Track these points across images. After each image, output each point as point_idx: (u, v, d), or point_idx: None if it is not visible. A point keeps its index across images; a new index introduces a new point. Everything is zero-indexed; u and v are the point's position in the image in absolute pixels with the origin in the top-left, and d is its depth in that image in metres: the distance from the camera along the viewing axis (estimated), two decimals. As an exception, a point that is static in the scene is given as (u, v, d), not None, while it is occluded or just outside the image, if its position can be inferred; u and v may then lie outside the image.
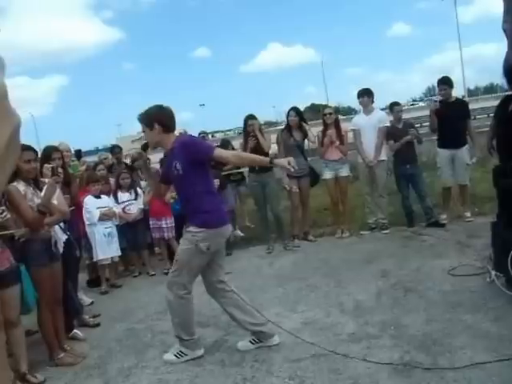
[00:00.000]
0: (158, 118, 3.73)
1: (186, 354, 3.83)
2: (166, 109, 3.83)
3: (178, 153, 3.63)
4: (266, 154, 6.56)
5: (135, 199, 6.64)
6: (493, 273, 4.31)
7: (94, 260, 6.11)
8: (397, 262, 5.53)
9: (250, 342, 3.91)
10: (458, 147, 6.62)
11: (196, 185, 3.65)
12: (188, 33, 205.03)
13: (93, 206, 6.00)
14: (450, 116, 6.49)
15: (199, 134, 8.66)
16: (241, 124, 7.48)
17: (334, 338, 3.84)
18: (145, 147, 4.09)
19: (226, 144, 8.18)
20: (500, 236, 4.26)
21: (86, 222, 5.98)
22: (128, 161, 7.58)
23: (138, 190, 6.71)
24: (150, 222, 6.61)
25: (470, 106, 7.49)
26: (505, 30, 7.75)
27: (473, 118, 7.51)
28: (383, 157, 6.95)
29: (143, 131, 3.88)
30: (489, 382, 2.89)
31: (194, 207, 3.70)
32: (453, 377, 3.00)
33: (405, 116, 7.67)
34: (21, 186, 3.85)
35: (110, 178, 6.77)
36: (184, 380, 3.53)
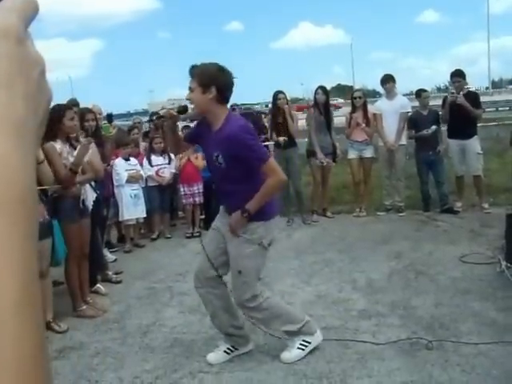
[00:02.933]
0: (218, 82, 2.99)
1: (309, 342, 3.37)
2: (229, 73, 3.08)
3: (224, 143, 2.97)
4: (290, 134, 6.78)
5: (168, 163, 6.82)
6: (503, 263, 4.42)
7: (120, 220, 6.33)
8: (410, 244, 5.66)
9: (225, 351, 3.45)
10: (468, 138, 6.64)
11: (242, 180, 3.05)
12: (222, 6, 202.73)
13: (122, 168, 6.17)
14: (460, 108, 6.51)
15: (231, 106, 8.74)
16: (269, 98, 7.56)
17: (344, 313, 4.00)
18: (183, 110, 3.29)
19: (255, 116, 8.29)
20: (514, 228, 4.36)
21: (115, 184, 6.18)
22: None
23: (171, 154, 6.88)
24: (182, 189, 6.82)
25: (493, 98, 7.48)
26: None
27: (495, 109, 7.48)
28: (403, 141, 7.03)
29: (191, 89, 3.04)
30: (492, 370, 3.02)
31: (245, 200, 3.04)
32: (457, 361, 3.15)
33: (430, 103, 7.68)
34: (57, 145, 4.02)
35: (142, 143, 6.96)
36: (199, 341, 3.71)
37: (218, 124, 3.05)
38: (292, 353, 3.33)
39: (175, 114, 3.25)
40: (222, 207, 3.40)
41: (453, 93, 6.68)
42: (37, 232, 0.36)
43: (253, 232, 3.13)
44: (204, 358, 3.43)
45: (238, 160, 2.97)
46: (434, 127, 6.82)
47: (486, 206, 6.78)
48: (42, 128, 0.41)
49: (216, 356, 3.41)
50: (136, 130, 7.07)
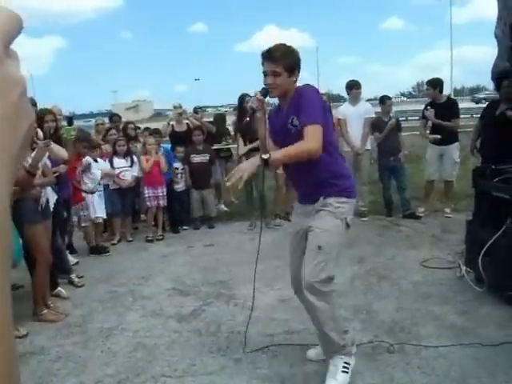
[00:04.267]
0: (299, 65, 2.96)
1: (349, 364, 3.03)
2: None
3: (297, 102, 2.84)
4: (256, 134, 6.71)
5: (130, 166, 6.74)
6: (463, 268, 4.51)
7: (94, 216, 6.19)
8: (373, 249, 5.72)
9: (344, 371, 2.99)
10: (448, 144, 6.78)
11: (323, 144, 2.76)
12: (187, 7, 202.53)
13: (95, 167, 6.09)
14: (440, 116, 6.64)
15: (194, 109, 8.68)
16: (233, 100, 7.56)
17: (307, 317, 3.97)
18: (265, 93, 3.02)
19: (219, 119, 8.24)
20: (473, 234, 4.45)
21: (87, 184, 6.02)
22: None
23: (134, 158, 6.79)
24: (146, 191, 6.74)
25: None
26: (496, 36, 7.95)
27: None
28: (368, 146, 7.13)
29: (276, 73, 2.83)
30: (450, 371, 3.08)
31: (327, 172, 2.89)
32: (417, 363, 3.19)
33: (394, 109, 7.84)
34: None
35: (103, 146, 6.85)
36: (161, 345, 3.66)
37: (289, 99, 2.93)
38: (338, 378, 2.97)
39: (262, 98, 2.94)
40: (297, 205, 3.21)
41: (427, 109, 6.82)
42: (10, 253, 0.35)
43: (338, 206, 2.87)
44: (167, 362, 3.39)
45: None
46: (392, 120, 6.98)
47: (448, 210, 6.93)
48: (23, 151, 0.39)
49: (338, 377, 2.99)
50: (114, 131, 7.05)
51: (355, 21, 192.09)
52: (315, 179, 2.92)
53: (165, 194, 6.77)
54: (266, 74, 2.87)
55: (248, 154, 6.76)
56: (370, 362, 3.26)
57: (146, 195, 6.72)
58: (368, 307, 4.14)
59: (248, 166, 2.75)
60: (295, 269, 3.17)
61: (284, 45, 2.93)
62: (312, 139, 2.72)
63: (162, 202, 6.77)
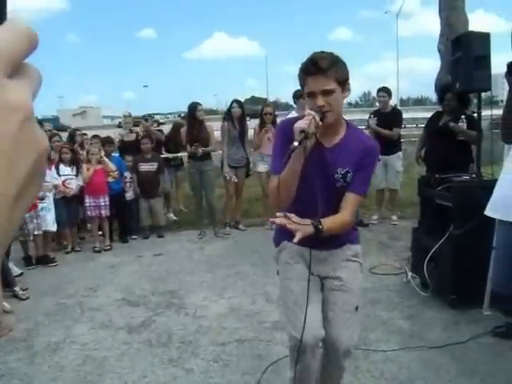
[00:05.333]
0: (348, 76, 2.23)
1: None
2: None
3: (360, 155, 2.24)
4: (207, 143, 6.79)
5: (76, 175, 6.57)
6: (409, 274, 4.64)
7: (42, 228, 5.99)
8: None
9: None
10: (390, 154, 6.98)
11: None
12: (135, 12, 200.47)
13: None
14: (384, 125, 6.83)
15: (143, 116, 8.56)
16: (182, 108, 7.54)
17: (258, 325, 4.02)
18: (323, 116, 2.11)
19: (178, 127, 8.16)
20: (419, 241, 4.60)
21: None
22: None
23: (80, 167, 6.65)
24: (87, 200, 6.55)
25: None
26: (439, 51, 8.31)
27: (403, 126, 7.92)
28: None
29: (328, 92, 2.10)
30: (399, 374, 3.17)
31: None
32: (367, 367, 3.26)
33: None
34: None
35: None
36: (111, 357, 3.58)
37: (339, 133, 2.27)
38: None
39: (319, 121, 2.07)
40: (292, 247, 2.34)
41: (370, 117, 7.00)
42: None
43: (356, 254, 2.49)
44: (117, 375, 3.32)
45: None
46: None
47: (395, 218, 7.12)
48: (30, 188, 0.34)
49: None
50: (57, 138, 6.93)
51: (305, 30, 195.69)
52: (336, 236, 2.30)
53: (107, 203, 6.60)
54: (311, 95, 2.13)
55: (194, 155, 6.76)
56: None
57: (87, 204, 6.55)
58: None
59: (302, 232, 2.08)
60: (316, 325, 2.34)
61: (326, 52, 2.17)
62: (352, 213, 2.28)
63: (104, 212, 6.59)
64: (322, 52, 2.16)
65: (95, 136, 7.40)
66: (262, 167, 7.15)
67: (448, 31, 8.04)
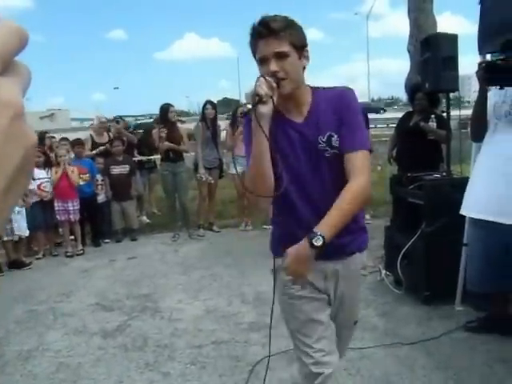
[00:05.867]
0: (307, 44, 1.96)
1: None
2: None
3: (328, 114, 1.92)
4: (179, 144, 6.80)
5: (50, 178, 6.45)
6: (383, 272, 4.70)
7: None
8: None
9: None
10: None
11: (344, 178, 1.90)
12: (104, 12, 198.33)
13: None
14: None
15: (114, 118, 8.45)
16: (153, 110, 7.50)
17: (234, 327, 4.01)
18: (278, 82, 1.82)
19: (150, 129, 8.09)
20: (392, 239, 4.65)
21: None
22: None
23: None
24: (56, 204, 6.42)
25: (372, 116, 8.00)
26: (409, 51, 8.49)
27: (374, 126, 8.03)
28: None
29: (281, 55, 1.82)
30: (375, 371, 3.21)
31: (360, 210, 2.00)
32: (343, 365, 3.26)
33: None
34: None
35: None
36: (86, 364, 3.53)
37: (305, 103, 1.94)
38: None
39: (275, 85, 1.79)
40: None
41: None
42: None
43: (362, 263, 2.22)
44: (93, 381, 3.28)
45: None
46: None
47: (368, 217, 7.18)
48: (19, 181, 0.35)
49: None
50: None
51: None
52: (351, 221, 1.88)
53: (76, 207, 6.48)
54: (263, 60, 1.85)
55: (166, 157, 6.72)
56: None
57: (57, 208, 6.41)
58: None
59: (302, 267, 1.88)
60: (330, 341, 2.13)
61: (280, 15, 1.90)
62: (364, 172, 1.88)
63: (73, 217, 6.46)
64: (275, 15, 1.88)
65: (64, 138, 7.28)
66: (236, 169, 7.14)
67: (417, 32, 8.20)
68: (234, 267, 5.54)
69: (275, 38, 1.82)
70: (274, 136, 1.85)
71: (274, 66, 1.81)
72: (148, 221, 7.95)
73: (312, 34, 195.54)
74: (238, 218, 7.52)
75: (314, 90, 1.98)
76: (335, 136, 1.90)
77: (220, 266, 5.62)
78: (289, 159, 1.92)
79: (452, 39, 4.37)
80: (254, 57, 1.90)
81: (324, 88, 2.01)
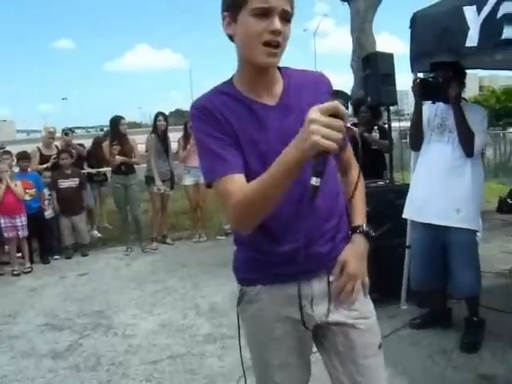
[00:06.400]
0: None
1: None
2: None
3: (309, 91, 1.52)
4: (130, 156, 6.76)
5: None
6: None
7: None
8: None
9: None
10: None
11: (336, 179, 1.69)
12: (48, 21, 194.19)
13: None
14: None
15: (63, 130, 8.27)
16: (104, 122, 7.42)
17: (190, 340, 4.00)
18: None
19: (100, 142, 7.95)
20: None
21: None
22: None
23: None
24: (2, 221, 6.21)
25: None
26: (352, 67, 9.02)
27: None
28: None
29: (285, 17, 1.39)
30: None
31: (343, 210, 1.65)
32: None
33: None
34: None
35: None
36: (35, 387, 3.44)
37: (276, 81, 1.53)
38: None
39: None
40: (285, 292, 1.57)
41: None
42: None
43: None
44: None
45: None
46: None
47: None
48: None
49: None
50: None
51: (229, 43, 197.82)
52: (333, 223, 1.58)
53: (24, 223, 6.29)
54: (263, 13, 1.35)
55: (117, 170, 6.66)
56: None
57: (3, 225, 6.20)
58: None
59: (360, 267, 1.58)
60: None
61: None
62: (355, 164, 1.76)
63: (22, 233, 6.27)
64: None
65: (5, 152, 7.08)
66: (189, 180, 7.16)
67: (359, 50, 8.78)
68: (188, 279, 5.53)
69: None
70: (243, 126, 1.45)
71: (279, 24, 1.36)
72: (99, 235, 7.82)
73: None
74: (192, 230, 7.51)
75: (281, 68, 1.56)
76: None
77: (174, 278, 5.60)
78: (266, 155, 1.41)
79: (389, 57, 4.65)
80: (238, 7, 1.38)
81: (292, 69, 1.60)
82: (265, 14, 1.36)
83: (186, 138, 7.12)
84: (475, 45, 3.10)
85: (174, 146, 7.46)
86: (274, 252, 1.53)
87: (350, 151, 1.74)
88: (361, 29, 9.00)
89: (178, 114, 53.99)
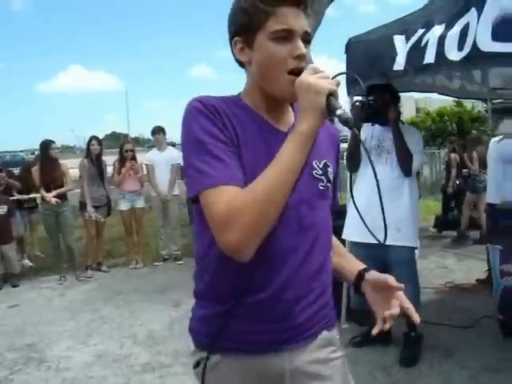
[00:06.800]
0: None
1: None
2: None
3: (321, 135, 1.32)
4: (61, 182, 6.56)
5: None
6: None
7: None
8: (188, 291, 5.71)
9: None
10: None
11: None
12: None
13: None
14: None
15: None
16: (34, 145, 7.21)
17: (127, 370, 3.90)
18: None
19: (29, 167, 7.69)
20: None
21: None
22: None
23: None
24: None
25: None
26: None
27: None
28: (176, 192, 7.29)
29: (305, 37, 1.27)
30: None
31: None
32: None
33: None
34: None
35: None
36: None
37: (290, 112, 1.39)
38: None
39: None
40: (260, 365, 1.32)
41: None
42: None
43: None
44: None
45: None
46: None
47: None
48: None
49: None
50: None
51: (165, 65, 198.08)
52: (327, 278, 1.41)
53: None
54: (286, 36, 1.23)
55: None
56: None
57: None
58: (188, 349, 4.15)
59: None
60: None
61: None
62: None
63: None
64: None
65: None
66: (124, 205, 7.05)
67: None
68: (124, 307, 5.40)
69: (305, 14, 1.28)
70: (249, 140, 1.26)
71: (303, 47, 1.24)
72: (31, 264, 7.49)
73: (200, 70, 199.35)
74: (128, 256, 7.37)
75: None
76: (331, 167, 1.39)
77: (110, 307, 5.45)
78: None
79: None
80: (254, 31, 1.25)
81: None
82: (286, 37, 1.23)
83: (121, 161, 7.05)
84: (402, 68, 3.39)
85: (110, 169, 7.35)
86: (258, 298, 1.27)
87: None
88: None
89: (114, 136, 53.36)
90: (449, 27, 2.98)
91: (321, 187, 1.34)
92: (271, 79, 1.26)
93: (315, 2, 6.39)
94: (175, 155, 7.34)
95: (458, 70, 3.83)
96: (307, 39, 1.27)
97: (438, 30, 3.06)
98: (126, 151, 7.03)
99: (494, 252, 3.93)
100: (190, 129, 1.24)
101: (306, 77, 1.17)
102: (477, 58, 2.77)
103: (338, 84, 1.17)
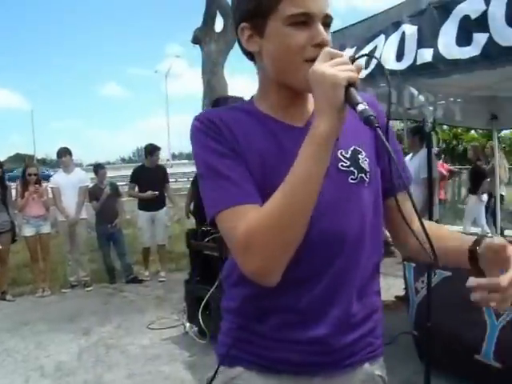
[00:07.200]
0: None
1: None
2: None
3: (348, 121, 1.04)
4: None
5: None
6: (187, 325, 4.81)
7: None
8: (99, 319, 5.65)
9: None
10: (158, 209, 7.20)
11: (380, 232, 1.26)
12: None
13: None
14: (149, 181, 7.06)
15: None
16: None
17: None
18: None
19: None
20: (192, 292, 4.83)
21: None
22: None
23: None
24: None
25: (173, 170, 8.33)
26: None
27: (174, 180, 8.35)
28: (84, 215, 7.13)
29: (326, 20, 1.11)
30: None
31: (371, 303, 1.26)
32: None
33: (114, 174, 8.14)
34: None
35: None
36: None
37: (308, 101, 1.21)
38: None
39: None
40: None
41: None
42: None
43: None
44: None
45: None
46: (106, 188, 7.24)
47: (163, 274, 7.32)
48: None
49: None
50: None
51: (73, 84, 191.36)
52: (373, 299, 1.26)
53: None
54: (304, 20, 1.08)
55: None
56: None
57: None
58: (98, 380, 4.07)
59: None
60: None
61: None
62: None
63: None
64: None
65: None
66: (29, 230, 6.77)
67: (210, 92, 9.00)
68: (30, 338, 5.16)
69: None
70: (261, 151, 1.14)
71: (325, 33, 1.09)
72: None
73: (111, 89, 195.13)
74: (34, 284, 7.05)
75: None
76: (363, 153, 1.20)
77: (15, 338, 5.19)
78: (272, 178, 1.10)
79: (239, 101, 4.88)
80: (265, 15, 1.10)
81: None
82: (304, 22, 1.08)
83: (24, 184, 6.78)
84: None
85: (13, 193, 7.05)
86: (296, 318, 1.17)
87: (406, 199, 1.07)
88: (212, 72, 9.27)
89: (18, 157, 51.00)
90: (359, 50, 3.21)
91: (351, 180, 1.16)
92: (287, 71, 1.12)
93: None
94: (83, 177, 7.19)
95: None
96: (328, 22, 1.11)
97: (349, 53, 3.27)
98: (30, 175, 6.77)
99: (409, 269, 4.00)
100: (193, 150, 1.18)
101: (319, 66, 1.00)
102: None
103: (359, 70, 1.00)
